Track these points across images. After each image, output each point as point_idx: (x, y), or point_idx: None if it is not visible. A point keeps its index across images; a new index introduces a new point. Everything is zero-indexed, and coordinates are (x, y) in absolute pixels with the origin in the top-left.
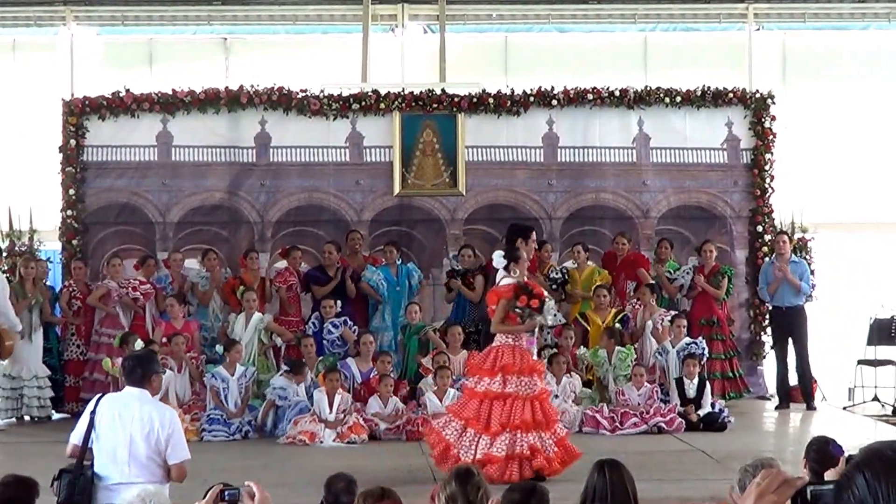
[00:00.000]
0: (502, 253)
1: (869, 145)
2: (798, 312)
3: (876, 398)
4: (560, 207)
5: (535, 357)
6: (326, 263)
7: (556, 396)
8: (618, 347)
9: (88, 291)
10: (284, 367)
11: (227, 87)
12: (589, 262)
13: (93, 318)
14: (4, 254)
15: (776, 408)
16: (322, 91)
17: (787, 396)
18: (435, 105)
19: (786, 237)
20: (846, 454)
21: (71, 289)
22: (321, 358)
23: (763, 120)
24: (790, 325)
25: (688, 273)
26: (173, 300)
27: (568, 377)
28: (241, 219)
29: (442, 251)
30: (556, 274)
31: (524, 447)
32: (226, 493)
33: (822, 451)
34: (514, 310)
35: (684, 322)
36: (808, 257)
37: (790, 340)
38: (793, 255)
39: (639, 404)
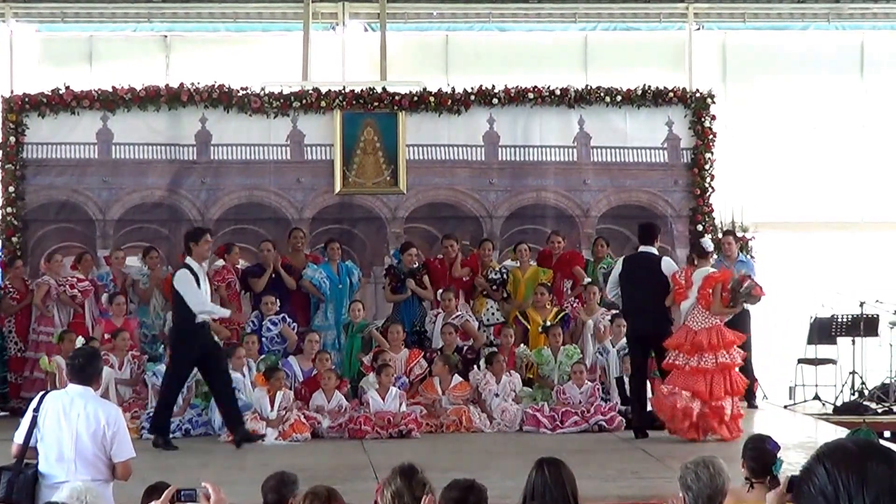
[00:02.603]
0: (709, 239)
1: (808, 145)
2: (741, 311)
3: (816, 397)
4: (501, 206)
5: None
6: (264, 263)
7: (497, 395)
8: (563, 346)
9: (26, 288)
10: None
11: (167, 85)
12: (532, 262)
13: (30, 316)
14: None
15: None
16: (263, 89)
17: None
18: (376, 103)
19: (731, 237)
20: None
21: (8, 289)
22: (262, 357)
23: (703, 119)
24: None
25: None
26: (122, 298)
27: (508, 376)
28: (182, 217)
29: (383, 249)
30: (496, 275)
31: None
32: (182, 493)
33: (759, 450)
34: (739, 292)
35: (624, 321)
36: (749, 256)
37: None
38: (740, 255)
39: (580, 402)
